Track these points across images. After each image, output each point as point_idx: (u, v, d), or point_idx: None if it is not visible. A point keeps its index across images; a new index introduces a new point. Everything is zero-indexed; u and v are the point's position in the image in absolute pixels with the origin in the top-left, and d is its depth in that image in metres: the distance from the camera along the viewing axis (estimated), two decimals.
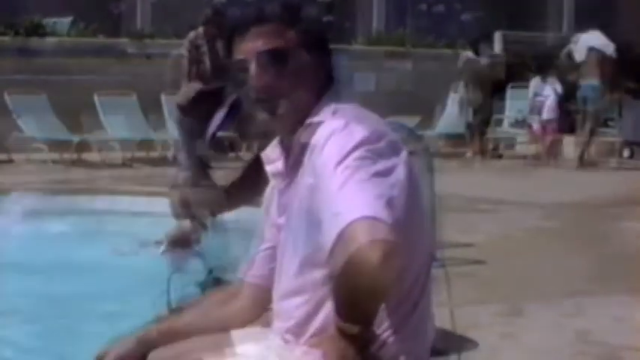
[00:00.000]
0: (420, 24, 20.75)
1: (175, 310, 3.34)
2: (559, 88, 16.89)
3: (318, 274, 2.42)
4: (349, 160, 2.27)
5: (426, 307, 2.53)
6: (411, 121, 14.10)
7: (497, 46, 20.11)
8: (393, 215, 2.21)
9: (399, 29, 20.01)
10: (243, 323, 2.69)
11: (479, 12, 22.33)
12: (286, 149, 2.57)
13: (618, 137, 16.89)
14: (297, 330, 2.50)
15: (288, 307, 2.53)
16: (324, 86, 2.55)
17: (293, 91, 2.51)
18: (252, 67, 2.51)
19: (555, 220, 10.10)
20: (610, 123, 17.55)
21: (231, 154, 15.40)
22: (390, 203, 2.24)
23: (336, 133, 2.33)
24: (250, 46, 2.52)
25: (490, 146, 17.03)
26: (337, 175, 2.26)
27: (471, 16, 22.35)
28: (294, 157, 2.51)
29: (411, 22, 21.05)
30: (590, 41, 16.20)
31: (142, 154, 14.79)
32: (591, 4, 22.50)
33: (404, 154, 2.42)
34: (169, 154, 15.08)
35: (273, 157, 2.61)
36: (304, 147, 2.45)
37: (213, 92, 3.53)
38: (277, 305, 2.57)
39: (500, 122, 17.21)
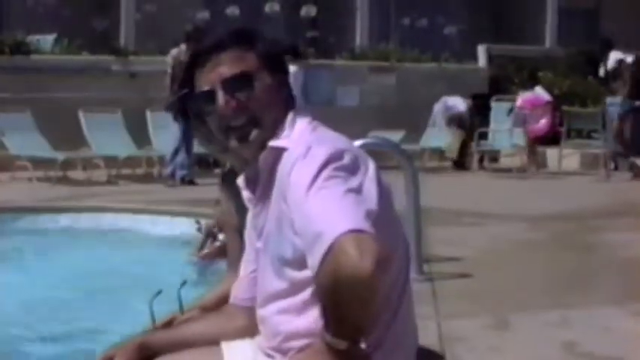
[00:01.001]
0: (403, 38, 20.79)
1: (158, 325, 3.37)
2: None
3: (294, 276, 2.45)
4: (319, 182, 2.30)
5: (406, 316, 2.54)
6: (396, 136, 14.14)
7: (481, 59, 20.19)
8: (373, 225, 2.23)
9: (382, 44, 20.06)
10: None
11: (462, 25, 22.39)
12: (254, 175, 2.59)
13: (603, 149, 16.94)
14: (281, 347, 2.52)
15: (270, 317, 2.54)
16: (287, 105, 2.58)
17: (262, 114, 2.53)
18: (219, 96, 2.53)
19: (541, 231, 10.12)
20: (594, 135, 17.60)
21: (216, 170, 15.42)
22: (368, 214, 2.26)
23: (299, 159, 2.37)
24: (213, 76, 2.55)
25: (475, 158, 17.07)
26: (310, 198, 2.29)
27: (455, 29, 22.41)
28: (263, 183, 2.55)
29: (395, 36, 21.09)
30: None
31: (127, 171, 14.77)
32: (574, 18, 22.61)
33: (370, 165, 2.45)
34: (155, 170, 15.08)
35: (244, 184, 2.64)
36: (270, 173, 2.50)
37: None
38: (260, 312, 2.60)
39: (484, 135, 17.24)
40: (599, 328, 6.15)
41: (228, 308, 2.83)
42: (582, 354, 5.58)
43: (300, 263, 2.40)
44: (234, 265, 3.53)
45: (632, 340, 5.95)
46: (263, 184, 2.55)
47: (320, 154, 2.35)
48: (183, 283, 3.58)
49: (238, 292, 2.78)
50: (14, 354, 5.56)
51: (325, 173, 2.31)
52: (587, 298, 7.03)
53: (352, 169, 2.37)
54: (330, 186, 2.30)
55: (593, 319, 6.37)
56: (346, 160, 2.37)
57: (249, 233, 2.72)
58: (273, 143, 2.50)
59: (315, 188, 2.29)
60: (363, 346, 2.29)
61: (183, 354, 2.71)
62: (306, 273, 2.39)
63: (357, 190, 2.33)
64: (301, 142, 2.44)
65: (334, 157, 2.35)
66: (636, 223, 10.34)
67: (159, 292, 3.48)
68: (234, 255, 3.54)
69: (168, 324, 3.31)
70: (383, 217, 2.37)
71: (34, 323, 6.11)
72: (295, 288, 2.46)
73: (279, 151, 2.48)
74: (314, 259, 2.23)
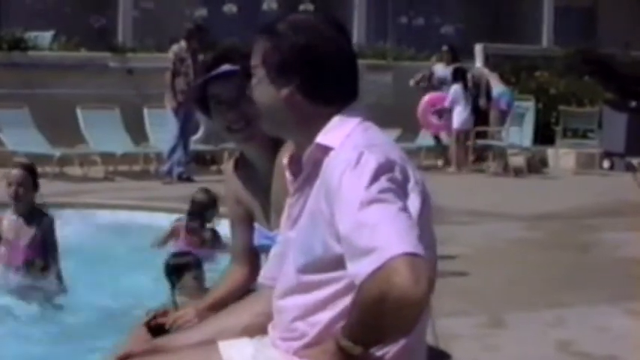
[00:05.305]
0: (400, 37, 20.79)
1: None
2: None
3: (314, 279, 2.47)
4: (373, 193, 2.31)
5: (421, 334, 2.56)
6: (392, 134, 14.15)
7: (478, 59, 20.19)
8: (423, 247, 2.27)
9: (379, 42, 20.06)
10: (262, 327, 2.70)
11: (459, 24, 22.40)
12: (296, 163, 2.61)
13: (598, 148, 16.98)
14: (291, 339, 2.53)
15: (286, 311, 2.55)
16: (331, 98, 2.62)
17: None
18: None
19: (537, 230, 10.15)
20: (590, 134, 17.64)
21: (213, 167, 15.43)
22: (419, 235, 2.29)
23: (350, 166, 2.37)
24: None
25: (471, 158, 17.06)
26: (364, 209, 2.29)
27: (452, 28, 22.41)
28: (304, 176, 2.56)
29: (392, 35, 21.10)
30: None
31: (124, 167, 14.77)
32: (571, 17, 22.63)
33: (415, 174, 2.46)
34: (152, 167, 15.09)
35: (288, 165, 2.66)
36: (313, 169, 2.51)
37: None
38: (277, 303, 2.61)
39: (479, 134, 17.23)
40: (594, 326, 6.18)
41: (254, 296, 2.87)
42: (577, 353, 5.62)
43: (324, 264, 2.43)
44: (238, 259, 3.54)
45: (626, 338, 5.98)
46: (304, 177, 2.56)
47: (372, 162, 2.36)
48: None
49: (266, 272, 2.80)
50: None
51: (378, 184, 2.33)
52: (582, 297, 7.07)
53: (402, 182, 2.40)
54: (385, 200, 2.31)
55: (588, 317, 6.40)
56: (397, 171, 2.40)
57: (284, 219, 2.71)
58: (320, 140, 2.51)
59: (369, 199, 2.31)
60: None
61: (182, 353, 2.73)
62: (326, 275, 2.43)
63: (408, 207, 2.36)
64: (350, 144, 2.45)
65: (386, 168, 2.37)
66: (631, 223, 10.37)
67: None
68: (239, 248, 3.54)
69: (162, 315, 3.34)
70: (423, 230, 2.38)
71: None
72: (311, 287, 2.48)
73: (326, 149, 2.49)
74: (360, 270, 2.25)
